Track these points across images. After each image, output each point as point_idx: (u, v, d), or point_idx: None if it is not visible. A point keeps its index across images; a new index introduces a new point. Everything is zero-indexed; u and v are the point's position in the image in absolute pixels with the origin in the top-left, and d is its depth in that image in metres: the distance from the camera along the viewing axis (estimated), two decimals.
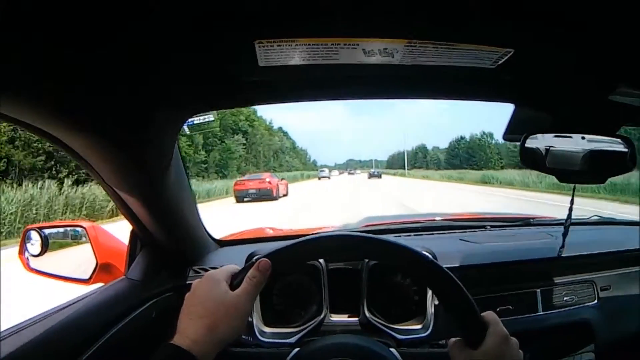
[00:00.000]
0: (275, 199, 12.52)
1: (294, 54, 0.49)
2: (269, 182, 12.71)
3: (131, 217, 0.71)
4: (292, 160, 47.50)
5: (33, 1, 0.32)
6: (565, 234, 0.81)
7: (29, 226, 0.89)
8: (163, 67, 0.50)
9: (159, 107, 0.56)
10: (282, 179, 15.27)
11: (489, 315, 0.46)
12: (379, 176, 35.51)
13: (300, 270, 0.75)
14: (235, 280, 0.46)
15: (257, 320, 0.72)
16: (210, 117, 0.69)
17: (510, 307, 0.79)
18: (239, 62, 0.53)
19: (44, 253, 0.85)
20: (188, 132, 0.69)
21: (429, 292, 0.72)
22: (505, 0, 0.40)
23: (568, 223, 0.81)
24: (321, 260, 0.73)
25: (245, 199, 12.40)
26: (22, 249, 0.88)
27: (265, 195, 12.26)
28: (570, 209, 0.80)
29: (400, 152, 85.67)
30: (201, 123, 0.69)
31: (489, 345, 0.43)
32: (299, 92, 0.66)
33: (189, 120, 0.69)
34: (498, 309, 0.78)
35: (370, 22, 0.44)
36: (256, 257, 0.48)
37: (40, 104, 0.42)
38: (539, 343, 0.79)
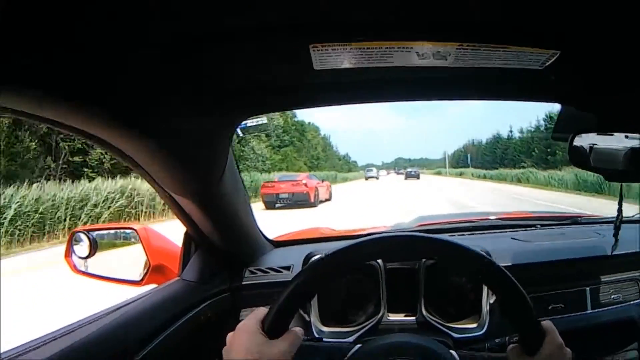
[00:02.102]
0: (313, 205, 10.16)
1: (348, 58, 0.50)
2: (305, 185, 10.35)
3: (185, 219, 0.72)
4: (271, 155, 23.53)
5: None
6: (616, 233, 0.82)
7: (76, 229, 0.90)
8: (218, 70, 0.51)
9: (213, 111, 0.57)
10: (323, 180, 12.76)
11: (547, 324, 0.47)
12: (417, 176, 30.27)
13: (358, 270, 0.76)
14: (268, 324, 0.45)
15: (314, 320, 0.73)
16: (263, 119, 0.70)
17: (562, 306, 0.80)
18: (294, 65, 0.54)
19: (93, 255, 0.86)
20: (241, 135, 0.71)
21: (484, 291, 0.73)
22: (552, 2, 0.41)
23: (619, 221, 0.82)
24: (379, 260, 0.74)
25: (277, 205, 10.08)
26: (69, 252, 0.89)
27: (300, 201, 9.94)
28: (620, 207, 0.81)
29: (476, 143, 51.02)
30: (255, 125, 0.70)
31: (546, 353, 0.44)
32: (353, 94, 0.67)
33: (242, 123, 0.70)
34: (550, 307, 0.79)
35: (423, 26, 0.45)
36: (314, 257, 0.49)
37: (96, 111, 0.43)
38: (586, 341, 0.79)
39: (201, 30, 0.42)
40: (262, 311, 0.47)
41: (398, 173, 48.05)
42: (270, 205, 10.13)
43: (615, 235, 0.84)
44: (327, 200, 11.68)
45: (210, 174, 0.64)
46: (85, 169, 10.92)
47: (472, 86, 0.66)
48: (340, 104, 0.70)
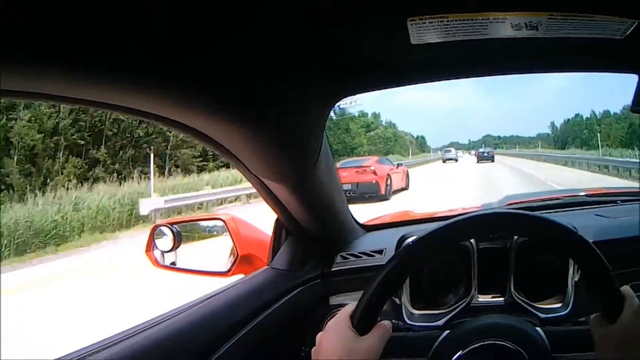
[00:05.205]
0: (384, 197, 7.75)
1: (446, 31, 0.49)
2: (374, 172, 7.85)
3: (277, 206, 0.71)
4: None
5: None
6: None
7: (158, 222, 0.91)
8: (311, 49, 0.50)
9: (307, 92, 0.57)
10: (398, 164, 9.91)
11: (625, 289, 0.47)
12: (491, 158, 23.10)
13: (450, 251, 0.73)
14: (357, 320, 0.45)
15: (405, 302, 0.71)
16: (357, 101, 0.69)
17: None
18: (391, 40, 0.53)
19: (177, 248, 0.86)
20: (335, 118, 0.69)
21: (570, 270, 0.70)
22: None
23: None
24: (472, 240, 0.72)
25: None
26: (151, 246, 0.90)
27: (368, 193, 7.46)
28: None
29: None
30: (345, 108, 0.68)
31: (627, 318, 0.44)
32: (450, 70, 0.65)
33: (336, 105, 0.69)
34: (630, 285, 0.73)
35: None
36: (408, 239, 0.47)
37: (188, 101, 0.43)
38: None
39: (297, 9, 0.41)
40: (351, 307, 0.47)
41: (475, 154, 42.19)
42: None
43: None
44: (402, 189, 9.25)
45: (305, 159, 0.64)
46: None
47: (557, 58, 0.64)
48: (437, 80, 0.68)
